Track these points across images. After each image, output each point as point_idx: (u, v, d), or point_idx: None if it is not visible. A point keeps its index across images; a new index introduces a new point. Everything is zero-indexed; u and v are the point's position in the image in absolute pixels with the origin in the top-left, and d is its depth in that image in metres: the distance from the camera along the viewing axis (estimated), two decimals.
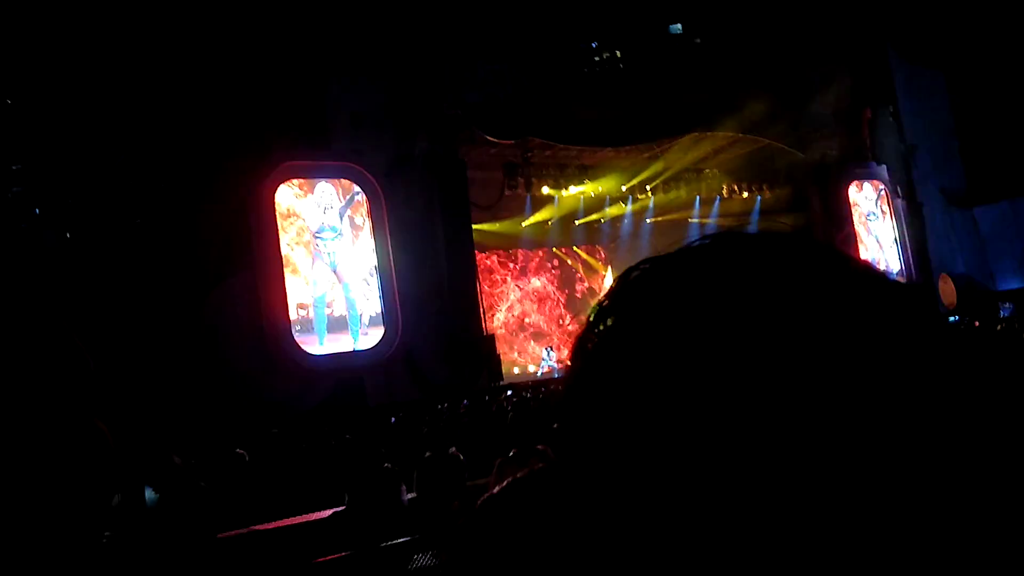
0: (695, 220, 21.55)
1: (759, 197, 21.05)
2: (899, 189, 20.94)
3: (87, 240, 11.76)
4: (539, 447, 2.60)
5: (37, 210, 11.31)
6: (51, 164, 11.48)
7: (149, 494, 3.63)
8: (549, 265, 22.45)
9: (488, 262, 20.67)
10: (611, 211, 21.15)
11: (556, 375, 18.54)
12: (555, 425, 0.53)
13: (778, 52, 17.98)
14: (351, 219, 14.50)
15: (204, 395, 11.65)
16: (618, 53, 17.11)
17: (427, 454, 5.20)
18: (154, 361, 11.39)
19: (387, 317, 14.29)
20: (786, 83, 18.41)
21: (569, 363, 0.51)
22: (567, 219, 21.19)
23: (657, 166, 19.67)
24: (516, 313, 21.66)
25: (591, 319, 0.50)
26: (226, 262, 12.77)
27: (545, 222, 20.89)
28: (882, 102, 20.70)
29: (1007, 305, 17.28)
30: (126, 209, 12.02)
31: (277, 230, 13.50)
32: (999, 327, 11.92)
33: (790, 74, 18.35)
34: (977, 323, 12.73)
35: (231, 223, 12.87)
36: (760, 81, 18.02)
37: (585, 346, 0.49)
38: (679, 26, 17.71)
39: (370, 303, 14.37)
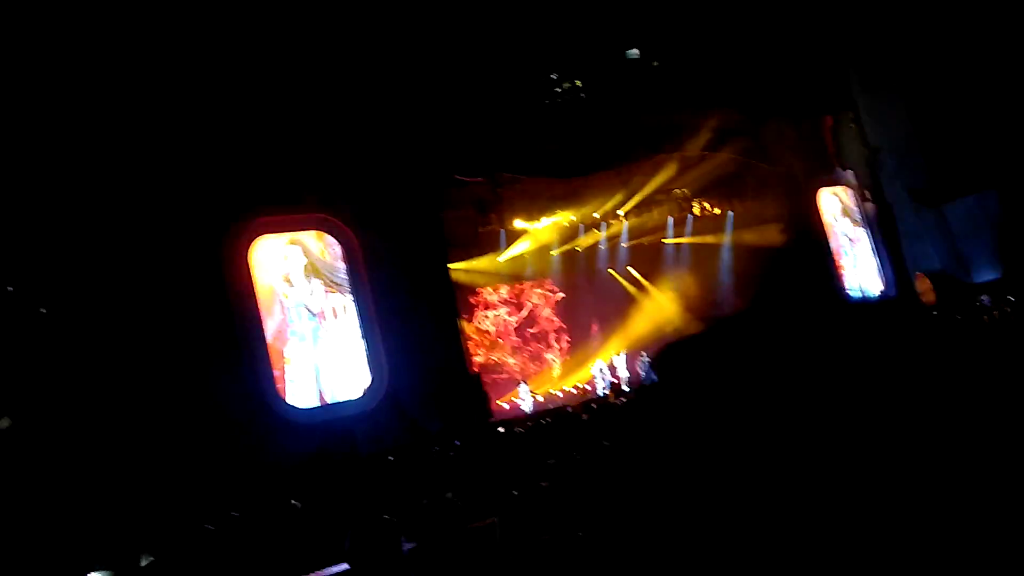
0: (670, 240, 21.64)
1: (731, 213, 21.20)
2: (867, 192, 21.15)
3: (63, 312, 11.60)
4: (543, 484, 2.54)
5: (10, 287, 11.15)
6: (19, 234, 11.34)
7: None
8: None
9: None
10: (585, 239, 21.18)
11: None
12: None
13: (735, 67, 18.19)
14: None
15: (193, 458, 11.45)
16: (578, 82, 17.25)
17: (424, 501, 5.11)
18: (138, 427, 11.21)
19: (372, 365, 14.17)
20: (746, 97, 18.61)
21: None
22: (543, 250, 21.21)
23: (627, 190, 19.76)
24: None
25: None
26: (207, 321, 12.61)
27: (522, 255, 20.89)
28: (842, 108, 20.94)
29: (985, 297, 17.39)
30: (98, 275, 11.87)
31: (254, 285, 13.41)
32: (985, 318, 12.01)
33: (749, 88, 18.55)
34: (959, 317, 12.81)
35: (208, 281, 12.77)
36: (720, 97, 18.21)
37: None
38: (636, 51, 17.91)
39: (354, 354, 14.25)
